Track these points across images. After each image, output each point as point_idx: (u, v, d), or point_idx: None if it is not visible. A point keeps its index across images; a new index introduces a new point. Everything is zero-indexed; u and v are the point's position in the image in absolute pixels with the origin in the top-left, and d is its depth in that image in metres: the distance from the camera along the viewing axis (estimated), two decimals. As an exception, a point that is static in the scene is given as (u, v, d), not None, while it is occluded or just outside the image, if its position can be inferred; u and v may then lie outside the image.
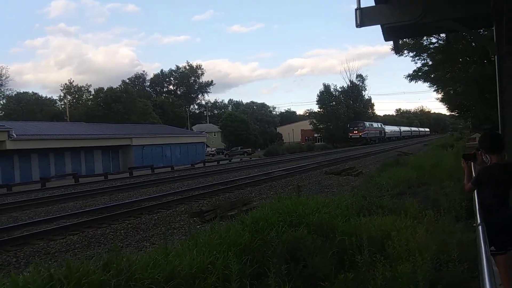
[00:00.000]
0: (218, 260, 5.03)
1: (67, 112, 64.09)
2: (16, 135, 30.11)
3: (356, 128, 77.71)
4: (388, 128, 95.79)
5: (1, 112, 70.73)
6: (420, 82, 28.13)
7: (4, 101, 73.77)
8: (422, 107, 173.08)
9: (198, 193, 15.52)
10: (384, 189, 11.87)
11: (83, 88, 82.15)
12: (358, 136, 75.83)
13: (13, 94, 74.04)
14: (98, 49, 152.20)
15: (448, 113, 75.34)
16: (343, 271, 5.01)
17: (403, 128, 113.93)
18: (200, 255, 5.16)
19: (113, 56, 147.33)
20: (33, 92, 78.24)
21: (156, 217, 11.29)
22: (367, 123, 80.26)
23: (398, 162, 20.17)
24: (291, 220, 6.84)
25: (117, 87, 75.96)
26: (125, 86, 79.08)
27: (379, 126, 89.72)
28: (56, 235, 9.67)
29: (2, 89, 73.99)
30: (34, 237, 9.42)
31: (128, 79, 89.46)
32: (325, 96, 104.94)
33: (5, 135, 29.54)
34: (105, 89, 73.20)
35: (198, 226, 9.79)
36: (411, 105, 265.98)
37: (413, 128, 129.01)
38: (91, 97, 78.26)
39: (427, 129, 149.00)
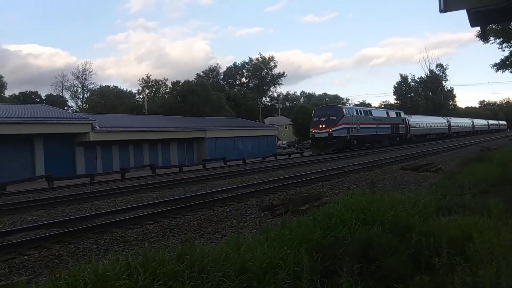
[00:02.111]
0: (289, 256, 5.01)
1: (145, 105, 67.22)
2: (99, 127, 32.12)
3: (323, 120, 40.27)
4: (418, 121, 62.00)
5: (86, 105, 75.62)
6: (507, 72, 26.20)
7: (88, 94, 78.91)
8: (509, 98, 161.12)
9: (269, 187, 15.60)
10: (465, 187, 11.18)
11: (160, 82, 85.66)
12: (326, 136, 39.03)
13: (96, 87, 79.03)
14: (174, 43, 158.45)
15: None
16: (418, 273, 4.78)
17: (456, 121, 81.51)
18: (271, 250, 5.16)
19: (189, 49, 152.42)
20: (114, 86, 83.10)
21: (228, 210, 11.50)
22: (350, 110, 43.82)
23: (481, 158, 18.97)
24: (365, 217, 6.65)
25: (192, 80, 78.36)
26: (199, 79, 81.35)
27: (389, 115, 51.75)
28: (133, 224, 10.14)
29: (86, 83, 79.46)
30: (113, 226, 9.93)
31: (202, 72, 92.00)
32: (402, 87, 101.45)
33: (89, 127, 31.68)
34: (181, 82, 75.81)
35: (268, 220, 9.83)
36: (497, 97, 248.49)
37: (478, 121, 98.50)
38: (168, 90, 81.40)
39: (504, 122, 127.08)
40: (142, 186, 18.13)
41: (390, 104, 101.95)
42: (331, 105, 55.32)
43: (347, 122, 40.77)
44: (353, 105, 73.70)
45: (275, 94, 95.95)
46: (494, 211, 6.92)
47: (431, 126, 67.01)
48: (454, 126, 77.29)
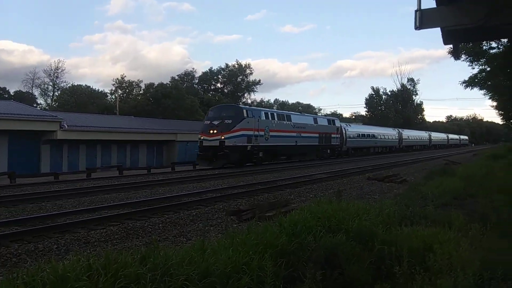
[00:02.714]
0: (253, 260, 5.01)
1: (117, 106, 66.17)
2: (67, 126, 31.44)
3: (215, 124, 30.71)
4: (358, 131, 54.57)
5: (55, 103, 73.91)
6: (475, 89, 27.09)
7: (59, 92, 77.16)
8: (475, 114, 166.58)
9: (237, 192, 15.59)
10: (428, 198, 11.48)
11: (134, 83, 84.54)
12: (217, 144, 29.66)
13: (68, 86, 77.32)
14: (152, 46, 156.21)
15: (502, 123, 63.50)
16: (379, 281, 4.87)
17: (409, 133, 75.68)
18: (235, 254, 5.17)
19: (166, 53, 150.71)
20: (86, 85, 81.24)
21: (194, 213, 11.42)
22: (255, 112, 33.47)
23: (445, 171, 19.50)
24: (330, 225, 6.74)
25: (167, 83, 77.68)
26: (174, 83, 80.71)
27: (318, 123, 42.34)
28: (97, 224, 9.94)
29: (58, 81, 77.66)
30: (76, 226, 9.71)
31: (177, 75, 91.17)
32: (374, 99, 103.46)
33: (57, 125, 30.98)
34: (156, 85, 75.03)
35: (235, 225, 9.83)
36: (464, 112, 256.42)
37: (436, 135, 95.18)
38: (141, 92, 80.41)
39: (465, 137, 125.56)
40: (108, 187, 17.79)
41: (361, 116, 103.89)
42: (227, 105, 40.72)
43: (249, 128, 30.68)
44: (297, 111, 64.04)
45: (249, 101, 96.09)
46: (455, 223, 7.12)
47: (375, 138, 58.96)
48: (406, 139, 71.89)
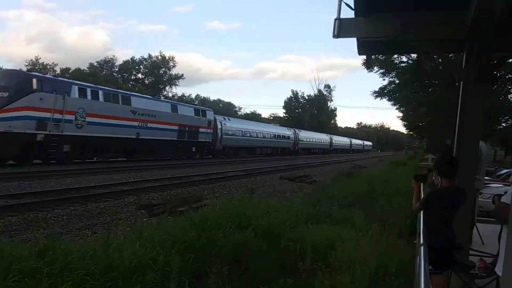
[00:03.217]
0: (160, 256, 4.93)
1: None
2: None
3: None
4: (239, 127, 46.59)
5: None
6: (384, 100, 28.96)
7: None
8: (383, 123, 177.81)
9: (150, 186, 15.25)
10: (335, 199, 12.06)
11: (48, 66, 79.35)
12: None
13: (-28, 63, 70.69)
14: (72, 28, 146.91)
15: (406, 132, 63.93)
16: (284, 276, 5.02)
17: (304, 134, 67.80)
18: (142, 249, 5.05)
19: (87, 37, 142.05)
20: (-5, 64, 74.87)
21: (102, 206, 10.98)
22: (55, 83, 22.50)
23: (351, 174, 20.58)
24: (240, 221, 6.81)
25: (84, 69, 73.95)
26: (92, 69, 76.95)
27: (179, 112, 33.70)
28: (-6, 214, 9.19)
29: (-43, 58, 70.65)
30: (-32, 216, 8.90)
31: (96, 62, 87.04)
32: (292, 102, 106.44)
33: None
34: (72, 70, 71.16)
35: (145, 219, 9.58)
36: (373, 120, 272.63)
37: (338, 138, 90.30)
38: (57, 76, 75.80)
39: (369, 143, 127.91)
40: (10, 174, 16.52)
41: (279, 117, 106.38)
42: (8, 70, 26.30)
43: (43, 108, 21.37)
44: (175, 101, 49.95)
45: (170, 94, 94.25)
46: (357, 223, 7.54)
47: (263, 137, 51.59)
48: (303, 140, 66.23)
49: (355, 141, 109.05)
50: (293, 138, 61.79)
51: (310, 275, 4.84)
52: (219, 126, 40.35)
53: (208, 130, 37.37)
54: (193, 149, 35.90)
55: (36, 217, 9.32)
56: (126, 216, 10.10)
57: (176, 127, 32.57)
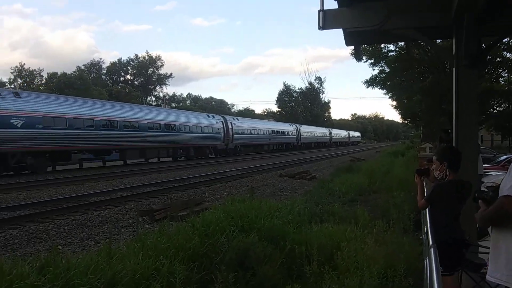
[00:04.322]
0: (164, 265, 4.85)
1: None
2: None
3: None
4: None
5: None
6: (376, 89, 28.81)
7: None
8: (377, 113, 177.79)
9: (150, 190, 15.15)
10: (336, 195, 12.01)
11: (35, 72, 78.98)
12: None
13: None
14: (55, 32, 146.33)
15: (401, 121, 59.77)
16: (290, 281, 4.95)
17: (243, 124, 48.47)
18: (145, 259, 4.97)
19: (70, 41, 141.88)
20: (-20, 73, 74.47)
21: (103, 214, 10.87)
22: None
23: (351, 168, 20.53)
24: (243, 224, 6.73)
25: (71, 73, 73.62)
26: (79, 73, 76.62)
27: None
28: (-6, 228, 9.07)
29: None
30: (-32, 230, 8.77)
31: (83, 65, 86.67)
32: (285, 96, 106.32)
33: None
34: (59, 74, 70.85)
35: (147, 226, 9.50)
36: (367, 111, 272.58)
37: (307, 129, 71.81)
38: (44, 81, 75.43)
39: (357, 134, 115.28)
40: (6, 185, 16.40)
41: (273, 112, 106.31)
42: None
43: None
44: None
45: (161, 94, 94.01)
46: (360, 220, 7.47)
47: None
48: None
49: (352, 133, 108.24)
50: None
51: (317, 279, 4.77)
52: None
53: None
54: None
55: (37, 229, 9.21)
56: (128, 223, 10.01)
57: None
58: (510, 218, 2.28)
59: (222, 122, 43.18)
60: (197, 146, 38.00)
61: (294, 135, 62.61)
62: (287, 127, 62.22)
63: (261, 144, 51.46)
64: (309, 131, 71.68)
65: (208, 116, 43.22)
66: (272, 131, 54.94)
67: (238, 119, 47.75)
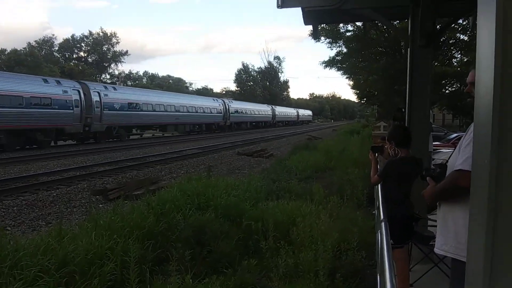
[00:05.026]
0: (118, 245, 4.76)
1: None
2: None
3: None
4: None
5: None
6: (334, 69, 29.14)
7: None
8: (334, 93, 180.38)
9: (104, 170, 14.78)
10: (293, 172, 12.15)
11: (-18, 48, 74.73)
12: None
13: None
14: (5, 7, 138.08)
15: (357, 101, 57.77)
16: (247, 256, 4.98)
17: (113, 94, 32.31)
18: (99, 239, 4.86)
19: (21, 16, 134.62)
20: None
21: (55, 194, 10.52)
22: None
23: (308, 146, 20.79)
24: (199, 202, 6.71)
25: (21, 50, 70.12)
26: (30, 49, 73.09)
27: None
28: None
29: None
30: None
31: (35, 41, 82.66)
32: (243, 75, 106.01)
33: None
34: (8, 51, 67.45)
35: (100, 205, 9.29)
36: (324, 90, 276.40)
37: (239, 105, 59.83)
38: (-8, 58, 71.58)
39: (308, 112, 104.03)
40: (-51, 166, 15.54)
41: (231, 91, 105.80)
42: None
43: None
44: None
45: (117, 72, 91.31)
46: (316, 196, 7.60)
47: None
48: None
49: (302, 112, 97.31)
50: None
51: (273, 254, 4.82)
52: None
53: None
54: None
55: (-18, 210, 8.81)
56: (80, 203, 9.73)
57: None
58: (460, 192, 2.34)
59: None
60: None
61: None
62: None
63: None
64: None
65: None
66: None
67: (115, 89, 36.28)
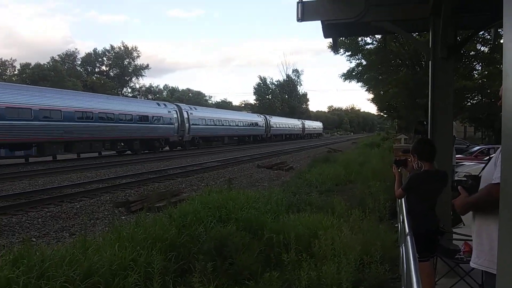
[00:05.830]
0: (141, 256, 4.82)
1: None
2: None
3: None
4: None
5: None
6: (353, 82, 29.09)
7: None
8: (353, 105, 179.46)
9: (126, 182, 14.97)
10: (313, 185, 12.11)
11: (7, 63, 76.86)
12: None
13: None
14: (29, 22, 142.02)
15: (376, 113, 58.65)
16: (269, 269, 4.98)
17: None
18: (122, 250, 4.92)
19: (44, 31, 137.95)
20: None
21: (78, 206, 10.69)
22: None
23: (327, 159, 20.70)
24: (220, 215, 6.74)
25: (45, 64, 71.84)
26: (54, 64, 74.84)
27: None
28: (-36, 221, 8.79)
29: None
30: None
31: (58, 55, 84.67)
32: (262, 88, 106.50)
33: None
34: (32, 65, 69.14)
35: (123, 217, 9.41)
36: (343, 103, 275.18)
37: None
38: (17, 72, 73.49)
39: (318, 125, 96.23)
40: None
41: (250, 104, 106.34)
42: None
43: None
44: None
45: (137, 86, 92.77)
46: (337, 209, 7.56)
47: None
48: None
49: (309, 123, 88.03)
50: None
51: (295, 267, 4.81)
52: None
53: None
54: None
55: (9, 222, 9.00)
56: (103, 215, 9.88)
57: None
58: (495, 206, 2.33)
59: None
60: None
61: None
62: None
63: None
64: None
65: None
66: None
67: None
